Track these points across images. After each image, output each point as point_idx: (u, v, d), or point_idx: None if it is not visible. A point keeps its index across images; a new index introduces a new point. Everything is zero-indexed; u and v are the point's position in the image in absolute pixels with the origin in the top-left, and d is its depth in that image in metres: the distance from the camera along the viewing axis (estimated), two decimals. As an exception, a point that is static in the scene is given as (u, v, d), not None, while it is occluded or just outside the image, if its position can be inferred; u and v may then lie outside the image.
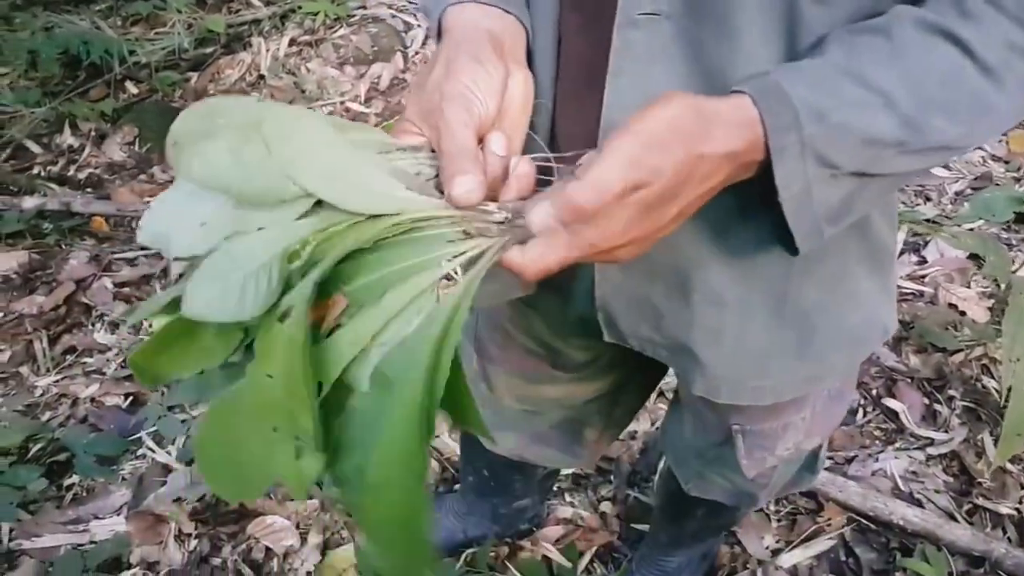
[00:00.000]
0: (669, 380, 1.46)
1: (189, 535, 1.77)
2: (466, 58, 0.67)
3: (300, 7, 3.47)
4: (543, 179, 0.66)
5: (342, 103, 3.07)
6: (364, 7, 3.54)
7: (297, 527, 1.79)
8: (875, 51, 0.63)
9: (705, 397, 0.94)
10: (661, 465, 1.82)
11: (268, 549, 1.75)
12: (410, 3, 3.53)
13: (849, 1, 0.65)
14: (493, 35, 0.71)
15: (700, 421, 1.12)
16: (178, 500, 1.82)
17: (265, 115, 0.58)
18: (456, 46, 0.69)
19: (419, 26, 3.45)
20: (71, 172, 2.80)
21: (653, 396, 1.72)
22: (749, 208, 0.73)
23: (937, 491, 1.82)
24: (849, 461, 1.87)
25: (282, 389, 0.55)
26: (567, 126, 0.81)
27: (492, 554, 1.74)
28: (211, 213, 0.57)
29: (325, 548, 1.76)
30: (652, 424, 1.93)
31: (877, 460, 1.87)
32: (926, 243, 2.38)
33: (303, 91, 3.10)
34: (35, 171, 2.81)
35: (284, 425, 0.57)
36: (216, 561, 1.73)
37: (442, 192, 0.62)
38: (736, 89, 0.63)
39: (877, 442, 1.93)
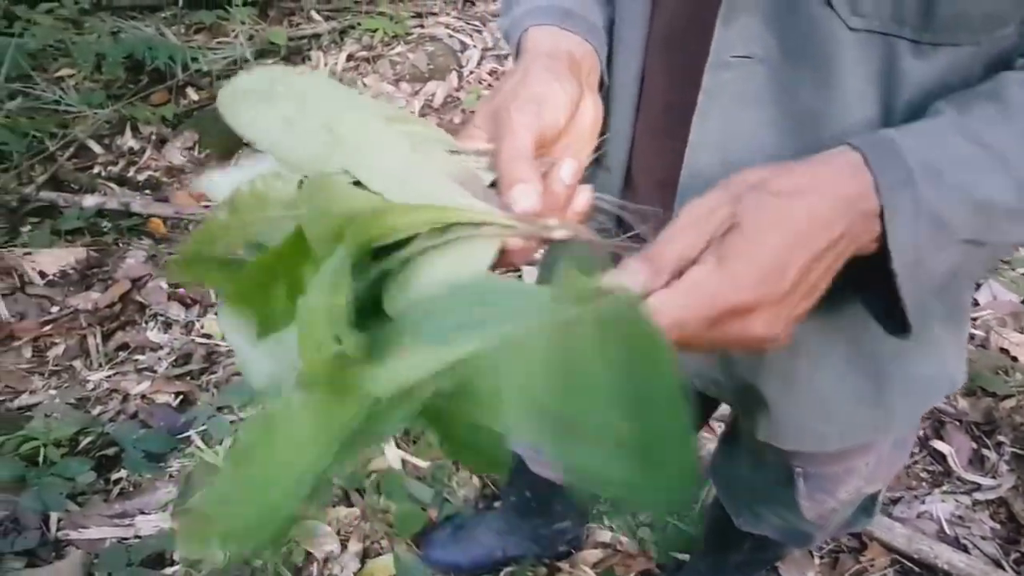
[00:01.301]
0: (724, 411, 1.45)
1: (232, 535, 1.79)
2: (543, 69, 0.67)
3: (359, 23, 3.53)
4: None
5: (396, 119, 3.10)
6: (422, 26, 3.59)
7: (338, 533, 1.80)
8: (987, 112, 0.60)
9: (768, 441, 0.92)
10: (703, 494, 1.82)
11: (309, 553, 1.76)
12: (492, 17, 3.58)
13: (948, 55, 0.63)
14: (572, 57, 0.71)
15: (759, 460, 1.11)
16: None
17: (327, 97, 0.58)
18: (534, 59, 0.69)
19: (475, 47, 3.49)
20: (131, 173, 2.86)
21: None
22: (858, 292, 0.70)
23: (984, 537, 1.79)
24: (895, 502, 1.85)
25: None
26: (645, 161, 0.81)
27: (530, 574, 1.75)
28: None
29: (364, 556, 1.77)
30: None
31: (923, 502, 1.85)
32: (979, 286, 2.36)
33: (359, 105, 3.14)
34: (96, 171, 2.87)
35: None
36: (257, 562, 1.74)
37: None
38: (844, 143, 0.60)
39: (924, 484, 1.91)
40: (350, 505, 1.85)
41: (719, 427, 1.93)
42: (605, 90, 0.81)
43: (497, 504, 1.86)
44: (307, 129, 0.57)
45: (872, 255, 0.60)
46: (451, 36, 3.53)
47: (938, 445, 1.97)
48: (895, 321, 0.65)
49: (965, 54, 0.63)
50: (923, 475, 1.93)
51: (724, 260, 0.54)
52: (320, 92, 0.58)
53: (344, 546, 1.78)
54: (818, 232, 0.56)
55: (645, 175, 0.82)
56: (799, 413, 0.88)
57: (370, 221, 0.53)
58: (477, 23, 3.65)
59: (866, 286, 0.65)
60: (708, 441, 1.93)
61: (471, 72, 3.38)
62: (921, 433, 2.00)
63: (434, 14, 3.69)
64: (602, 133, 0.81)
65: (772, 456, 1.05)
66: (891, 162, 0.57)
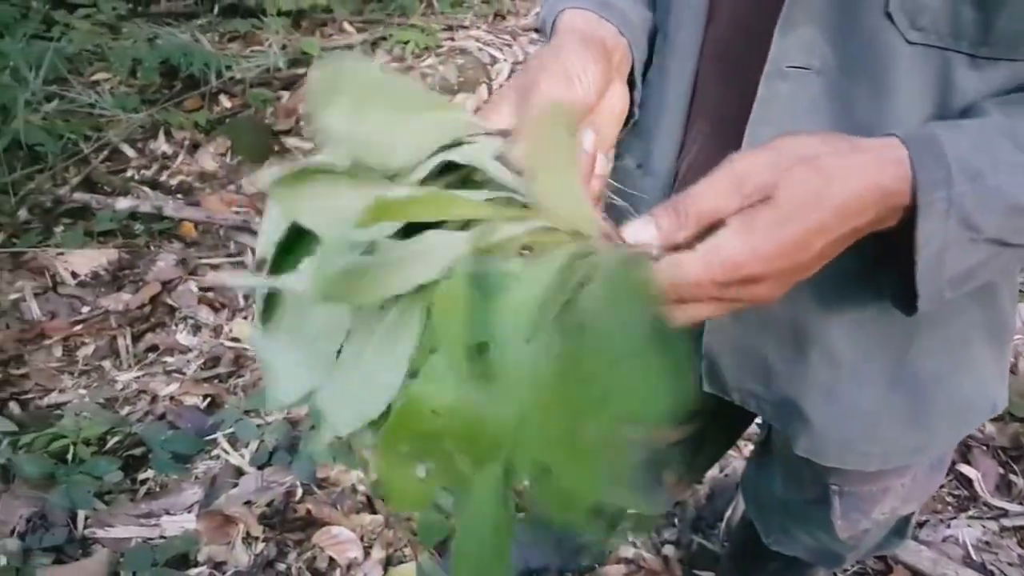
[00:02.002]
0: (753, 429, 1.45)
1: (256, 538, 1.80)
2: (577, 45, 0.66)
3: (391, 35, 3.56)
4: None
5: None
6: (453, 39, 3.62)
7: (361, 540, 1.80)
8: None
9: (807, 456, 0.91)
10: (729, 512, 1.81)
11: (332, 559, 1.77)
12: (522, 31, 3.60)
13: (1004, 68, 0.64)
14: (604, 45, 0.70)
15: (794, 477, 1.10)
16: (248, 503, 1.85)
17: (390, 86, 0.57)
18: (568, 36, 0.68)
19: (504, 60, 3.51)
20: (163, 177, 2.89)
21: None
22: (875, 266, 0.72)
23: (1011, 564, 1.78)
24: (920, 525, 1.84)
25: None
26: (694, 168, 0.81)
27: (552, 586, 1.74)
28: None
29: (388, 564, 1.77)
30: (721, 471, 1.92)
31: (949, 527, 1.84)
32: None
33: (389, 116, 3.16)
34: (129, 174, 2.91)
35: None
36: (281, 567, 1.75)
37: None
38: (889, 134, 0.61)
39: (949, 508, 1.89)
40: (374, 512, 1.85)
41: (747, 446, 1.93)
42: (647, 93, 0.82)
43: (521, 515, 1.86)
44: (371, 118, 0.56)
45: (892, 236, 0.61)
46: (481, 49, 3.56)
47: (965, 469, 1.95)
48: (906, 301, 0.66)
49: (1022, 68, 0.64)
50: (949, 499, 1.92)
51: (751, 230, 0.55)
52: (386, 81, 0.58)
53: (367, 553, 1.78)
54: (848, 218, 0.57)
55: (693, 182, 0.82)
56: (841, 430, 0.87)
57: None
58: (507, 37, 3.67)
59: (881, 260, 0.66)
60: (734, 459, 1.93)
61: (500, 85, 3.40)
62: (948, 457, 1.98)
63: (465, 27, 3.72)
64: (636, 131, 0.82)
65: (808, 474, 1.04)
66: (932, 161, 0.58)
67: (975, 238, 0.61)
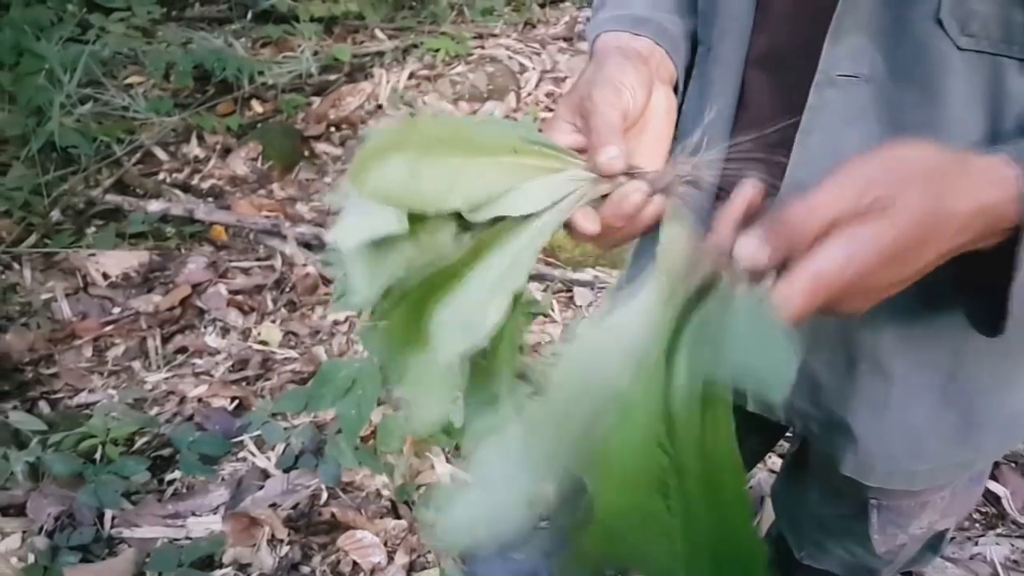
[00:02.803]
0: (782, 442, 1.44)
1: (281, 541, 1.81)
2: (614, 57, 0.70)
3: (422, 43, 3.58)
4: None
5: (455, 137, 3.14)
6: (483, 47, 3.63)
7: (385, 545, 1.81)
8: None
9: (852, 476, 0.89)
10: (755, 523, 1.80)
11: (356, 563, 1.77)
12: (551, 40, 3.61)
13: None
14: (640, 53, 0.74)
15: (831, 492, 1.08)
16: (273, 505, 1.86)
17: (444, 134, 0.60)
18: (606, 53, 0.72)
19: (533, 68, 3.52)
20: (195, 181, 2.92)
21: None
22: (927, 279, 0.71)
23: (1040, 584, 1.76)
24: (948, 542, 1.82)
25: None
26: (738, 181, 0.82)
27: (574, 596, 1.74)
28: None
29: (411, 570, 1.77)
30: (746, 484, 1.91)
31: (977, 544, 1.82)
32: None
33: (418, 123, 3.18)
34: (161, 177, 2.94)
35: None
36: (305, 570, 1.76)
37: None
38: (1002, 151, 0.60)
39: (977, 525, 1.87)
40: (398, 517, 1.86)
41: (770, 458, 1.91)
42: (691, 107, 0.83)
43: (545, 523, 1.85)
44: (430, 166, 0.58)
45: (985, 255, 0.60)
46: (511, 58, 3.57)
47: (993, 487, 1.93)
48: (988, 323, 0.65)
49: None
50: (977, 516, 1.89)
51: (860, 245, 0.54)
52: (437, 131, 0.60)
53: (391, 558, 1.79)
54: (953, 236, 0.57)
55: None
56: (889, 448, 0.86)
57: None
58: (537, 46, 3.68)
59: (969, 284, 0.65)
60: (758, 471, 1.91)
61: (529, 94, 3.41)
62: (977, 475, 1.96)
63: (495, 36, 3.73)
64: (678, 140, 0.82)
65: (847, 488, 1.02)
66: None
67: None
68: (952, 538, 1.83)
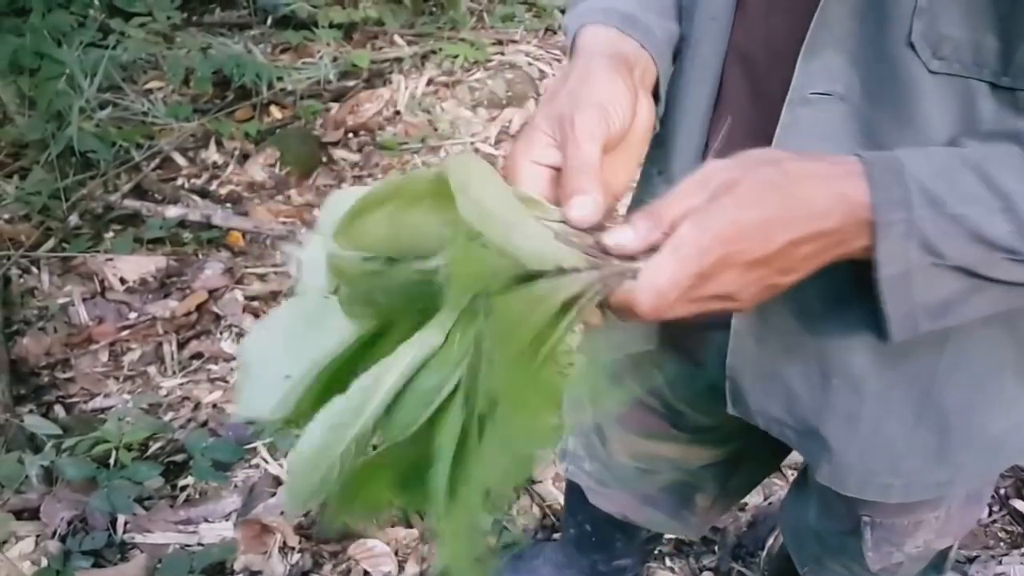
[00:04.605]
0: (796, 458, 1.42)
1: (293, 548, 1.80)
2: (604, 70, 0.67)
3: (441, 49, 3.57)
4: None
5: (472, 144, 3.13)
6: (502, 53, 3.62)
7: (396, 554, 1.80)
8: (1008, 156, 0.61)
9: (828, 485, 0.91)
10: (771, 541, 1.77)
11: (366, 572, 1.76)
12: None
13: None
14: (627, 59, 0.71)
15: (827, 507, 1.08)
16: (285, 513, 1.85)
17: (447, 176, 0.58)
18: (592, 57, 0.69)
19: (553, 75, 3.51)
20: (213, 187, 2.92)
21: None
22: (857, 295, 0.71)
23: (1064, 603, 1.72)
24: (971, 560, 1.79)
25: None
26: None
27: (587, 609, 1.72)
28: None
29: (422, 579, 1.76)
30: (765, 499, 1.88)
31: (1000, 563, 1.78)
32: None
33: (436, 129, 3.18)
34: (179, 182, 2.94)
35: None
36: (315, 578, 1.76)
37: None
38: (856, 154, 0.62)
39: (1002, 544, 1.84)
40: (409, 526, 1.85)
41: (792, 474, 1.89)
42: (667, 101, 0.82)
43: (556, 536, 1.84)
44: (413, 219, 0.58)
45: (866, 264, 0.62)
46: (531, 64, 3.56)
47: (1018, 505, 1.89)
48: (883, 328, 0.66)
49: None
50: (1001, 535, 1.86)
51: (711, 216, 0.58)
52: (422, 185, 0.59)
53: (401, 567, 1.78)
54: (812, 218, 0.59)
55: None
56: (862, 459, 0.86)
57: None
58: (557, 52, 3.66)
59: (865, 296, 0.66)
60: (779, 487, 1.89)
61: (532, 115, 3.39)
62: (1001, 491, 1.93)
63: (515, 42, 3.72)
64: (657, 138, 0.83)
65: (841, 504, 1.03)
66: (892, 179, 0.59)
67: (939, 263, 0.61)
68: (975, 557, 1.80)
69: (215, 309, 2.42)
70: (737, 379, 0.88)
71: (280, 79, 3.30)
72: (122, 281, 2.51)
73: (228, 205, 2.83)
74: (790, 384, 0.85)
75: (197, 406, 2.12)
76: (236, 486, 1.94)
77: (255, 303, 2.43)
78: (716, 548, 1.83)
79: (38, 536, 1.80)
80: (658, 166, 0.87)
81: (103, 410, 2.12)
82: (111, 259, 2.55)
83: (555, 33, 3.84)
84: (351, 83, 3.41)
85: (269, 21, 3.69)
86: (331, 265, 0.60)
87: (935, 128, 0.66)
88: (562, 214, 0.60)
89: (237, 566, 1.77)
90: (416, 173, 0.59)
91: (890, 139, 0.67)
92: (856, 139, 0.68)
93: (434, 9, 3.89)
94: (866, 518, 1.01)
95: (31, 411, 2.09)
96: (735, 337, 0.84)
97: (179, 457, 1.99)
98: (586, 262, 0.58)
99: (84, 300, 2.43)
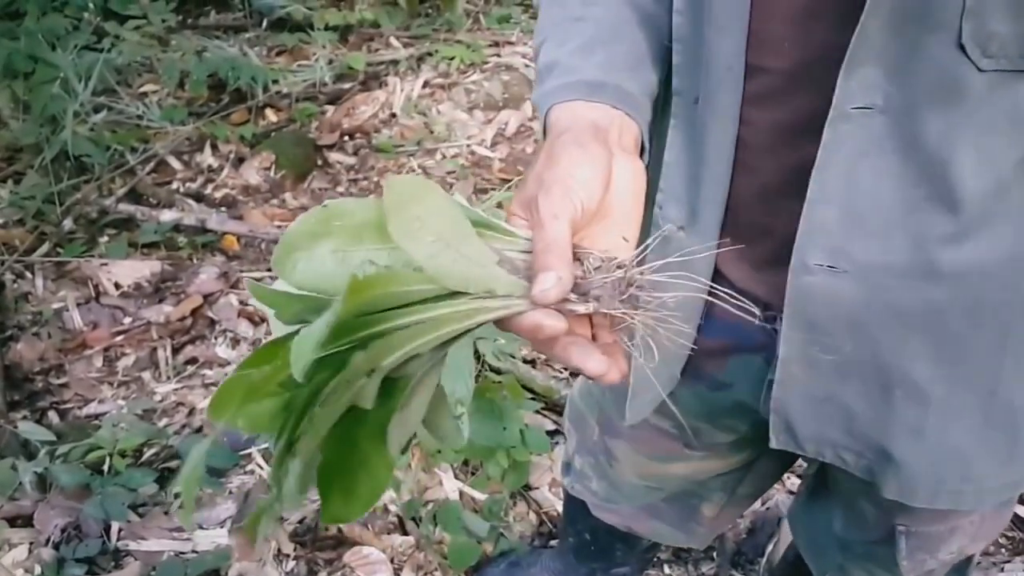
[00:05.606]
0: (800, 463, 1.41)
1: (287, 556, 1.78)
2: (566, 145, 0.65)
3: (437, 51, 3.56)
4: None
5: (468, 146, 3.12)
6: (499, 55, 3.61)
7: (391, 561, 1.78)
8: None
9: (896, 499, 0.88)
10: (770, 548, 1.76)
11: (362, 580, 1.75)
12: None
13: None
14: (596, 125, 0.69)
15: (855, 516, 1.06)
16: (280, 520, 1.84)
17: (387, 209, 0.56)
18: (558, 136, 0.67)
19: (551, 78, 3.50)
20: (208, 190, 2.91)
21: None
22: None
23: (1066, 610, 1.71)
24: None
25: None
26: (749, 222, 0.80)
27: (585, 616, 1.70)
28: None
29: (418, 587, 1.75)
30: (763, 504, 1.87)
31: (1002, 570, 1.77)
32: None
33: (432, 132, 3.17)
34: (174, 186, 2.93)
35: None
36: (310, 584, 1.74)
37: None
38: None
39: (1003, 551, 1.83)
40: (405, 534, 1.83)
41: (789, 479, 1.88)
42: (674, 155, 0.81)
43: (553, 543, 1.83)
44: (360, 255, 0.56)
45: None
46: (527, 66, 3.54)
47: (1020, 511, 1.88)
48: None
49: None
50: (1002, 541, 1.85)
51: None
52: (379, 213, 0.57)
53: (397, 575, 1.76)
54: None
55: (748, 236, 0.80)
56: (934, 469, 0.84)
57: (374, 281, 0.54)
58: (554, 54, 3.66)
59: None
60: (776, 492, 1.88)
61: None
62: (1000, 495, 1.92)
63: (511, 43, 3.71)
64: (672, 197, 0.82)
65: (873, 514, 1.02)
66: None
67: None
68: (977, 563, 1.78)
69: (210, 314, 2.41)
70: (785, 411, 0.86)
71: (275, 82, 3.29)
72: (116, 286, 2.50)
73: (223, 209, 2.82)
74: (848, 404, 0.83)
75: (191, 412, 2.11)
76: (231, 492, 1.92)
77: (250, 308, 2.41)
78: (715, 555, 1.82)
79: (31, 543, 1.79)
80: (678, 222, 0.84)
81: (97, 416, 2.10)
82: (105, 264, 2.54)
83: (552, 35, 3.83)
84: (347, 86, 3.40)
85: (264, 24, 3.68)
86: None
87: (988, 127, 0.65)
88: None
89: (231, 573, 1.76)
90: (349, 201, 0.57)
91: (940, 145, 0.66)
92: (899, 149, 0.68)
93: (430, 11, 3.89)
94: (901, 527, 1.00)
95: (25, 417, 2.07)
96: (782, 368, 0.82)
97: (173, 463, 1.97)
98: (521, 290, 0.57)
99: (78, 305, 2.42)
